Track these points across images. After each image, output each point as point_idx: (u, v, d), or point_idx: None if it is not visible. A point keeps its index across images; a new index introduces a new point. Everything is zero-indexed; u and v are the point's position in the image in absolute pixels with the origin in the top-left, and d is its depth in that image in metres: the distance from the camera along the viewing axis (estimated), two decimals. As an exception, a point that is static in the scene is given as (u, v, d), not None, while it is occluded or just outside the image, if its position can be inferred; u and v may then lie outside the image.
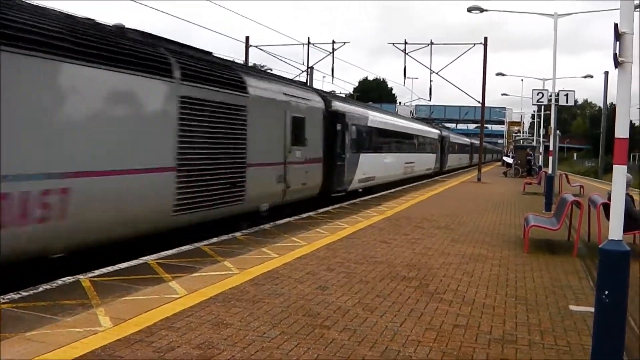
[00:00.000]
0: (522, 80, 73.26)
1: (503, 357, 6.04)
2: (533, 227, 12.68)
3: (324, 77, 72.34)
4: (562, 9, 49.04)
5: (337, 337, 6.39)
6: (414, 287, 8.74)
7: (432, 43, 38.85)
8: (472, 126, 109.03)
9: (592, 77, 46.35)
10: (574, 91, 23.23)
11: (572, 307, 8.03)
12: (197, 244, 11.41)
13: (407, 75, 42.42)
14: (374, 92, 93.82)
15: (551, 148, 23.84)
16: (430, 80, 44.58)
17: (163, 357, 5.63)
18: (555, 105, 23.43)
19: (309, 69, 38.14)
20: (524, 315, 7.55)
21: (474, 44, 37.93)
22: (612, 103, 54.06)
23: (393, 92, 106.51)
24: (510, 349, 6.27)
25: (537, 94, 23.86)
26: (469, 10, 26.75)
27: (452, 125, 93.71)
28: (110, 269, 9.21)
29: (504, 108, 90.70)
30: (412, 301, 7.98)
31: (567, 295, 8.68)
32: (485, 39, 37.17)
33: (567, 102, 23.19)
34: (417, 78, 49.66)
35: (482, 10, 26.69)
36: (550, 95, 23.45)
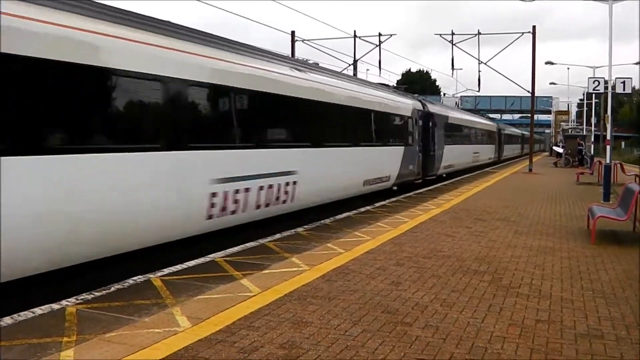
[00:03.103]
0: (568, 68, 72.33)
1: (592, 353, 5.87)
2: (599, 217, 12.37)
3: (367, 69, 71.76)
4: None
5: (421, 334, 6.27)
6: (488, 282, 8.59)
7: (479, 33, 38.38)
8: (517, 116, 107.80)
9: (641, 63, 45.16)
10: (631, 78, 22.63)
11: (653, 300, 7.81)
12: (261, 241, 11.39)
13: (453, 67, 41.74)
14: (417, 84, 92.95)
15: (608, 137, 23.25)
16: (479, 71, 43.96)
17: (248, 358, 5.55)
18: (612, 92, 22.86)
19: (355, 62, 38.00)
20: (604, 309, 7.35)
21: (522, 33, 37.32)
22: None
23: (437, 83, 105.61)
24: (598, 345, 6.10)
25: (593, 82, 23.36)
26: (522, -2, 26.11)
27: (497, 116, 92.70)
28: (179, 267, 9.20)
29: (551, 97, 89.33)
30: (488, 296, 7.84)
31: (645, 288, 8.45)
32: (534, 27, 36.57)
33: (624, 89, 22.59)
34: (461, 69, 49.08)
35: (534, -3, 26.10)
36: (607, 83, 22.90)
